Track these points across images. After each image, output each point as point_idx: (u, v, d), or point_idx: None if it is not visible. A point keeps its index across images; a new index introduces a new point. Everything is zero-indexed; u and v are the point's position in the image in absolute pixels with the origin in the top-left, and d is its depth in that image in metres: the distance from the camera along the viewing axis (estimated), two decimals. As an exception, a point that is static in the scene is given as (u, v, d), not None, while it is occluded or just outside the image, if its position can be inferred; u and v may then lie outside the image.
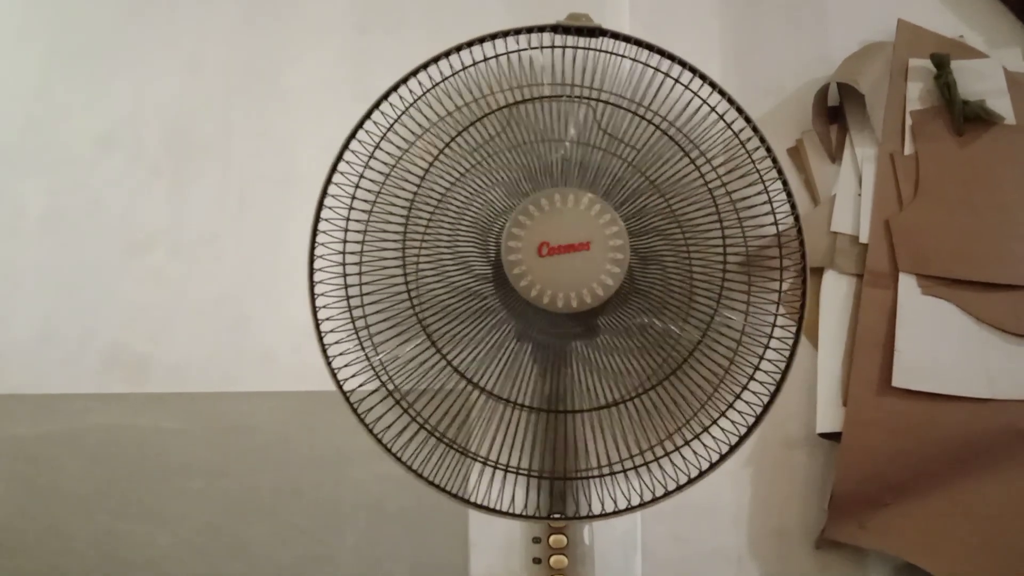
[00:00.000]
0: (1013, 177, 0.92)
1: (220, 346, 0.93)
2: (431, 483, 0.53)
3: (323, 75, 1.00)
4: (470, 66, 0.54)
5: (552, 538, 0.58)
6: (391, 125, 0.53)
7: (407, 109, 0.54)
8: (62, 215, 0.97)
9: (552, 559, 0.58)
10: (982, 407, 0.84)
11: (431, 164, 0.53)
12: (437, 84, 0.54)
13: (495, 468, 0.53)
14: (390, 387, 0.53)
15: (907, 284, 0.88)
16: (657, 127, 0.55)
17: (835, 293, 0.90)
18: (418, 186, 0.53)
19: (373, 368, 0.52)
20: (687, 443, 0.54)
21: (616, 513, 0.54)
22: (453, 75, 0.54)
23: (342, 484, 0.89)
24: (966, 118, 0.92)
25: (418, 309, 0.52)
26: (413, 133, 0.54)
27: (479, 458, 0.53)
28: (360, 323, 0.53)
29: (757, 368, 0.55)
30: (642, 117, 0.55)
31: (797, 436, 0.89)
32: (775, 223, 0.55)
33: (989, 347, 0.86)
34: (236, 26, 1.02)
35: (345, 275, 0.53)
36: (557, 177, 0.55)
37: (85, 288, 0.95)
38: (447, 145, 0.53)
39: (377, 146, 0.54)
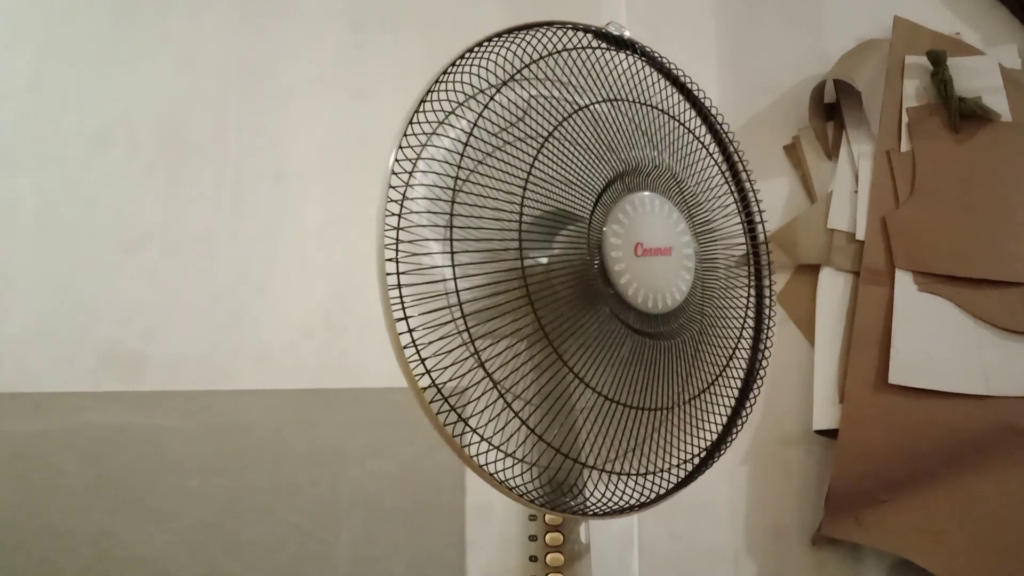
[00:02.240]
0: (1009, 174, 0.92)
1: (215, 344, 0.93)
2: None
3: (318, 72, 1.00)
4: (541, 59, 0.52)
5: (548, 536, 0.58)
6: (481, 111, 0.50)
7: (488, 102, 0.51)
8: (56, 213, 0.97)
9: (548, 557, 0.58)
10: (978, 404, 0.84)
11: (539, 152, 0.50)
12: (519, 70, 0.51)
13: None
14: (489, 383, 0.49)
15: (903, 281, 0.88)
16: (693, 134, 0.56)
17: (831, 290, 0.90)
18: (532, 165, 0.50)
19: (482, 363, 0.49)
20: (696, 456, 0.54)
21: (613, 513, 0.54)
22: (533, 62, 0.52)
23: (339, 482, 0.88)
24: (962, 115, 0.92)
25: (535, 299, 0.49)
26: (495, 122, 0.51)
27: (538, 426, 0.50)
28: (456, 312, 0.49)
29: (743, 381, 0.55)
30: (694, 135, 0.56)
31: (793, 433, 0.89)
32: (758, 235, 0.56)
33: (985, 344, 0.86)
34: (231, 23, 1.02)
35: (454, 269, 0.48)
36: (643, 180, 0.55)
37: (80, 286, 0.95)
38: (556, 128, 0.51)
39: (470, 135, 0.50)
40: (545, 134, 0.50)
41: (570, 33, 0.54)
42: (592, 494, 0.53)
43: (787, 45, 1.01)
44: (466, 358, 0.48)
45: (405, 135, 0.49)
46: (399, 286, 0.47)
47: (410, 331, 0.47)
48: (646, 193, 0.52)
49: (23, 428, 0.90)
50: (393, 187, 0.48)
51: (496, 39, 0.52)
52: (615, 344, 0.50)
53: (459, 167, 0.49)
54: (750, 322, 0.58)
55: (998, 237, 0.90)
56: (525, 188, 0.49)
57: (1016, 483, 0.83)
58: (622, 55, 0.56)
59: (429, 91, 0.50)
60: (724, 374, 0.56)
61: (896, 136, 0.93)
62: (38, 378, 0.92)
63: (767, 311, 0.59)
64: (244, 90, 1.00)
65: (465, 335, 0.48)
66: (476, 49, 0.51)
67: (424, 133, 0.49)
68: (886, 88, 0.95)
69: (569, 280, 0.50)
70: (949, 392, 0.85)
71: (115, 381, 0.92)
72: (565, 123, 0.51)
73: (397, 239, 0.47)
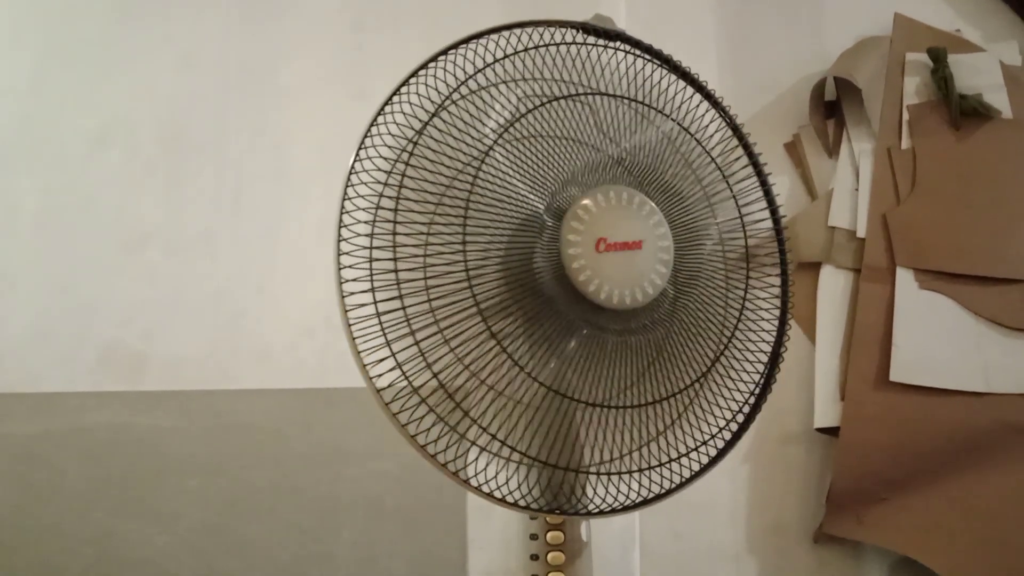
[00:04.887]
0: (1010, 171, 0.92)
1: (216, 344, 0.93)
2: (435, 459, 0.52)
3: (318, 72, 1.00)
4: (514, 54, 0.53)
5: (549, 535, 0.58)
6: (435, 113, 0.51)
7: (444, 103, 0.51)
8: (57, 213, 0.97)
9: (549, 555, 0.58)
10: (979, 402, 0.84)
11: (488, 151, 0.51)
12: (481, 70, 0.52)
13: (506, 454, 0.52)
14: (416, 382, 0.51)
15: (904, 279, 0.88)
16: (684, 129, 0.56)
17: (832, 288, 0.90)
18: (476, 173, 0.51)
19: (425, 358, 0.50)
20: (690, 452, 0.54)
21: (614, 511, 0.54)
22: (506, 57, 0.53)
23: (340, 481, 0.88)
24: (963, 112, 0.92)
25: (477, 293, 0.50)
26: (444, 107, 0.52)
27: (484, 444, 0.52)
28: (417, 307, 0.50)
29: (764, 376, 0.55)
30: (681, 127, 0.56)
31: (795, 431, 0.89)
32: (778, 226, 0.56)
33: (986, 341, 0.86)
34: (231, 23, 1.02)
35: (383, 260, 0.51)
36: (609, 174, 0.55)
37: (80, 286, 0.95)
38: (505, 130, 0.52)
39: (421, 132, 0.52)
40: (497, 134, 0.51)
41: (550, 31, 0.54)
42: (593, 497, 0.53)
43: (787, 43, 1.01)
44: (417, 357, 0.49)
45: (363, 139, 0.51)
46: (342, 280, 0.49)
47: (353, 340, 0.49)
48: (613, 187, 0.52)
49: (23, 428, 0.90)
50: (348, 196, 0.50)
51: (471, 42, 0.53)
52: (589, 344, 0.51)
53: (404, 175, 0.50)
54: (745, 314, 0.57)
55: (999, 234, 0.90)
56: (472, 189, 0.50)
57: (1017, 481, 0.83)
58: (605, 48, 0.56)
59: (387, 103, 0.51)
60: (721, 370, 0.56)
61: (897, 133, 0.93)
62: (38, 378, 0.92)
63: (785, 308, 0.58)
64: (244, 90, 1.00)
65: (411, 338, 0.50)
66: (441, 57, 0.52)
67: (380, 135, 0.51)
68: (886, 85, 0.95)
69: (523, 281, 0.51)
70: (950, 390, 0.84)
71: (115, 381, 0.92)
72: (519, 122, 0.52)
73: (340, 237, 0.51)
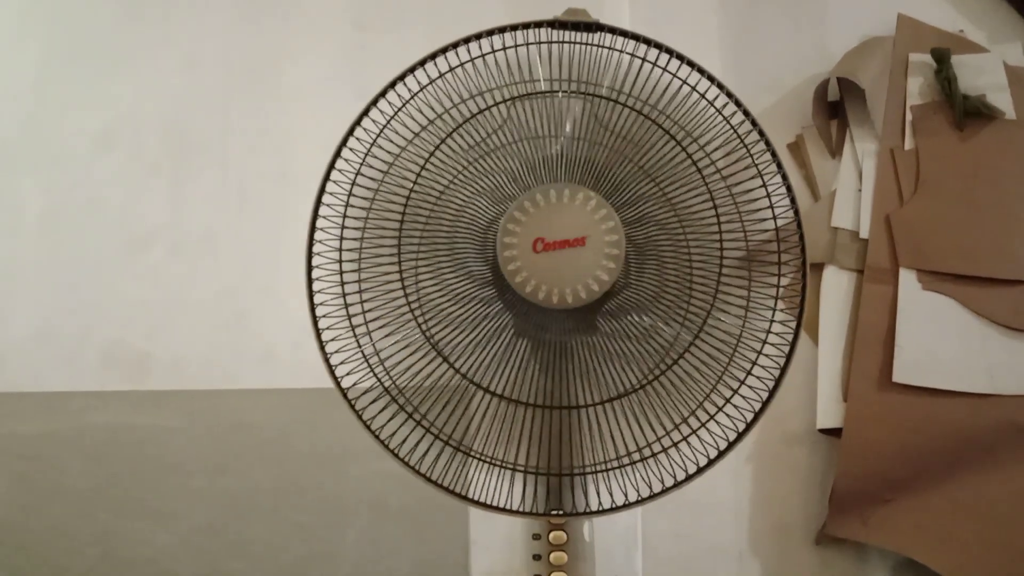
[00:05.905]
0: (1013, 172, 0.92)
1: (219, 344, 0.93)
2: (430, 480, 0.54)
3: (321, 73, 1.00)
4: (467, 62, 0.54)
5: (552, 534, 0.58)
6: (386, 123, 0.54)
7: (403, 106, 0.54)
8: (61, 213, 0.97)
9: (552, 555, 0.58)
10: (982, 402, 0.84)
11: (426, 162, 0.53)
12: (433, 81, 0.54)
13: (492, 464, 0.53)
14: (387, 384, 0.53)
15: (907, 279, 0.87)
16: (653, 121, 0.55)
17: (836, 289, 0.90)
18: (415, 182, 0.53)
19: (371, 367, 0.52)
20: (685, 438, 0.54)
21: (615, 509, 0.54)
22: (451, 71, 0.54)
23: (343, 481, 0.88)
24: (966, 113, 0.92)
25: (414, 306, 0.52)
26: (411, 131, 0.55)
27: (476, 454, 0.53)
28: (357, 319, 0.53)
29: (755, 364, 0.55)
30: (640, 113, 0.55)
31: (798, 432, 0.89)
32: (774, 217, 0.55)
33: (989, 342, 0.86)
34: (234, 24, 1.02)
35: (342, 272, 0.54)
36: (554, 172, 0.55)
37: (84, 286, 0.95)
38: (443, 142, 0.53)
39: (374, 143, 0.55)
40: (424, 158, 0.53)
41: (519, 33, 0.54)
42: (591, 501, 0.53)
43: (790, 43, 1.01)
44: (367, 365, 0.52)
45: (336, 159, 0.55)
46: (312, 280, 0.50)
47: (323, 344, 0.52)
48: (552, 185, 0.52)
49: (27, 428, 0.90)
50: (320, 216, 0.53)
51: (430, 59, 0.55)
52: (503, 342, 0.53)
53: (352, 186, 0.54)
54: (750, 313, 0.57)
55: (1002, 235, 0.90)
56: (409, 195, 0.53)
57: (1021, 481, 0.83)
58: (586, 44, 0.56)
59: (356, 124, 0.54)
60: (684, 366, 0.55)
61: (900, 134, 0.93)
62: (42, 378, 0.92)
63: (802, 308, 0.57)
64: (247, 90, 1.00)
65: (365, 340, 0.52)
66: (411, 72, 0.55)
67: (345, 169, 0.54)
68: (890, 86, 0.95)
69: (456, 286, 0.53)
70: (954, 391, 0.84)
71: (119, 381, 0.92)
72: (455, 134, 0.53)
73: (311, 241, 0.52)
